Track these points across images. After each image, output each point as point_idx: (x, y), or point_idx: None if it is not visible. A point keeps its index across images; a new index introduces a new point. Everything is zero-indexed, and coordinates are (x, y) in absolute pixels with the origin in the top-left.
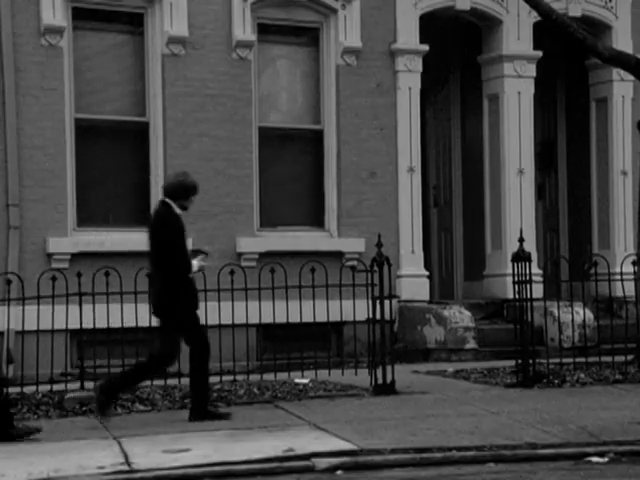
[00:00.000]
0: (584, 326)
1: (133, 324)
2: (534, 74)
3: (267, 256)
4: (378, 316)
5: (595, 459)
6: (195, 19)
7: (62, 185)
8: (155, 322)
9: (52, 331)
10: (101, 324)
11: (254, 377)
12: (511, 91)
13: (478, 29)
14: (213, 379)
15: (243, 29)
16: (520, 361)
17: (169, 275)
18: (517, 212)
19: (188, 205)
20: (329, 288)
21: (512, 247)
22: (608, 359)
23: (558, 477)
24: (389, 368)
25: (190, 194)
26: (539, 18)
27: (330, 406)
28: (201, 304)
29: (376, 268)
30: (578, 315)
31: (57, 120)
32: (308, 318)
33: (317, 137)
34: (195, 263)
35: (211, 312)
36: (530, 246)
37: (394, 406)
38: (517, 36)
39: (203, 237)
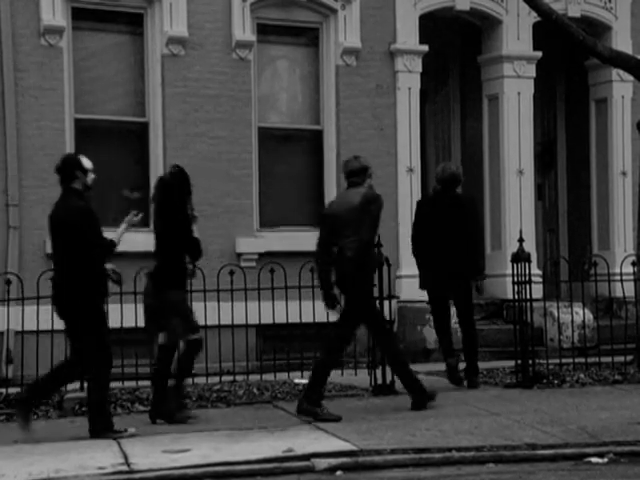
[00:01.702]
0: (584, 326)
1: (133, 324)
2: (534, 74)
3: (267, 256)
4: None
5: (595, 460)
6: (195, 19)
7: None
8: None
9: (52, 331)
10: None
11: (254, 377)
12: (511, 91)
13: (478, 29)
14: (212, 379)
15: (243, 29)
16: (520, 361)
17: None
18: (517, 212)
19: None
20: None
21: (512, 247)
22: (608, 359)
23: (558, 477)
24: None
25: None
26: (539, 18)
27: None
28: (200, 304)
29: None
30: (578, 315)
31: (57, 120)
32: (308, 318)
33: (317, 137)
34: None
35: (210, 312)
36: (530, 246)
37: (393, 406)
38: (517, 36)
39: (202, 237)
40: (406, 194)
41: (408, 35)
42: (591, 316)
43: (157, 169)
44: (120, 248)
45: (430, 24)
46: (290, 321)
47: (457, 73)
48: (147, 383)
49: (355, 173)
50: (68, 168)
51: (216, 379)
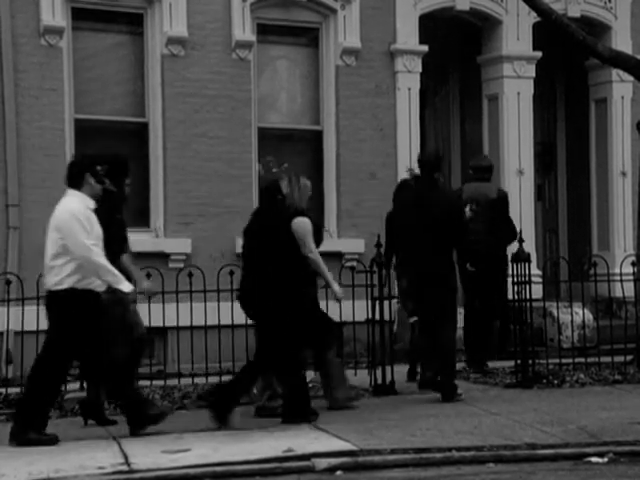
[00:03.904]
0: (583, 326)
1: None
2: (534, 75)
3: None
4: (377, 317)
5: (595, 459)
6: (195, 19)
7: (62, 185)
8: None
9: None
10: None
11: None
12: (510, 92)
13: (478, 29)
14: (213, 379)
15: (243, 29)
16: (519, 361)
17: None
18: (516, 213)
19: None
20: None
21: (511, 247)
22: (607, 359)
23: (557, 477)
24: (389, 368)
25: None
26: (539, 18)
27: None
28: (200, 304)
29: (375, 268)
30: (577, 316)
31: (57, 120)
32: None
33: (316, 137)
34: None
35: (211, 312)
36: (529, 247)
37: (394, 406)
38: (517, 36)
39: (203, 237)
40: None
41: (408, 35)
42: (591, 316)
43: (157, 169)
44: None
45: (430, 24)
46: None
47: (457, 73)
48: (147, 383)
49: (485, 170)
50: (434, 161)
51: (216, 379)
